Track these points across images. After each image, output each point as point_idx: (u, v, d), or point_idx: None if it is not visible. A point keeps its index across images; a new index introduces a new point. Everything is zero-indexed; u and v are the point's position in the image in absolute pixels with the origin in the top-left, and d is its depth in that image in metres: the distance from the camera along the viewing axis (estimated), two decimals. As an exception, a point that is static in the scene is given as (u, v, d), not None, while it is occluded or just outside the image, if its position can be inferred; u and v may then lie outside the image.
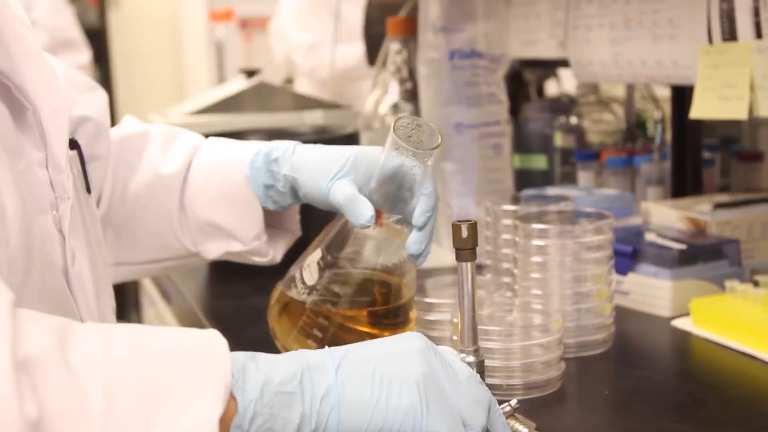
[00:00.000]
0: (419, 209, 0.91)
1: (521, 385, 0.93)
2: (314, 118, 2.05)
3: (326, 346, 0.93)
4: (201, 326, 1.28)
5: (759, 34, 1.09)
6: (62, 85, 0.85)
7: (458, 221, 0.81)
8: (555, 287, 1.07)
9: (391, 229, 0.94)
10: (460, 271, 0.82)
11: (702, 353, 1.09)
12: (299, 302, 0.94)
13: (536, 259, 1.08)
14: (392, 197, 0.91)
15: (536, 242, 1.08)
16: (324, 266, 0.94)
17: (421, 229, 0.91)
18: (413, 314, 0.99)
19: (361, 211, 0.90)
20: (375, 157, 0.94)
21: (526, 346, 0.94)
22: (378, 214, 0.92)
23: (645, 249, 1.22)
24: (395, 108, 1.60)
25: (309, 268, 0.95)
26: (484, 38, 1.52)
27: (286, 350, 0.97)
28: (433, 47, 1.50)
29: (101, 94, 1.01)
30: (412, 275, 0.97)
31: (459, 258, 0.82)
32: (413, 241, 0.91)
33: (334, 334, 0.94)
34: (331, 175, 0.94)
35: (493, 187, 1.52)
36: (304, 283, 0.94)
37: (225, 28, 4.24)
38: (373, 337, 0.95)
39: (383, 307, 0.95)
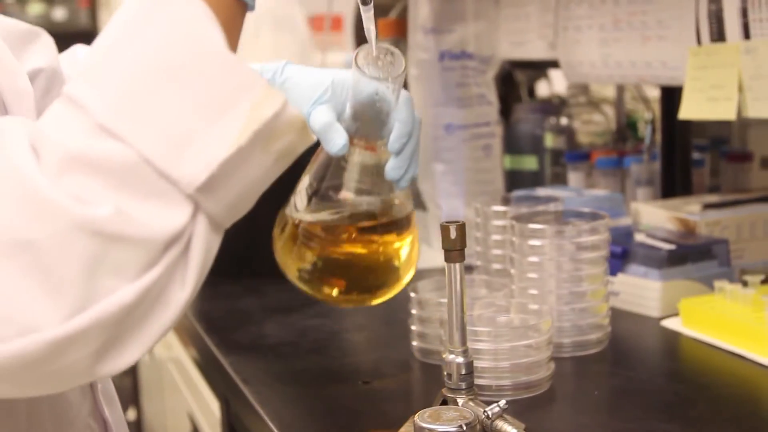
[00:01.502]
0: (394, 135, 0.91)
1: (510, 386, 0.93)
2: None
3: (320, 263, 0.94)
4: (193, 329, 1.28)
5: (747, 35, 1.10)
6: (17, 63, 0.80)
7: (447, 222, 0.81)
8: (551, 287, 1.07)
9: (382, 152, 0.94)
10: (449, 272, 0.82)
11: (691, 353, 1.09)
12: (294, 224, 0.96)
13: (532, 259, 1.08)
14: (369, 124, 0.92)
15: (532, 242, 1.08)
16: (311, 193, 0.95)
17: (398, 154, 0.91)
18: (409, 230, 0.98)
19: (334, 139, 0.91)
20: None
21: (514, 347, 0.94)
22: (366, 138, 0.93)
23: (634, 249, 1.22)
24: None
25: (300, 194, 0.96)
26: (474, 39, 1.52)
27: (286, 270, 0.98)
28: (423, 48, 1.51)
29: (47, 39, 0.95)
30: (405, 193, 0.96)
31: (448, 259, 0.82)
32: (391, 167, 0.92)
33: (326, 252, 0.95)
34: (312, 100, 0.94)
35: (483, 188, 1.52)
36: (296, 207, 0.96)
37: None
38: (364, 254, 0.95)
39: (371, 224, 0.95)
